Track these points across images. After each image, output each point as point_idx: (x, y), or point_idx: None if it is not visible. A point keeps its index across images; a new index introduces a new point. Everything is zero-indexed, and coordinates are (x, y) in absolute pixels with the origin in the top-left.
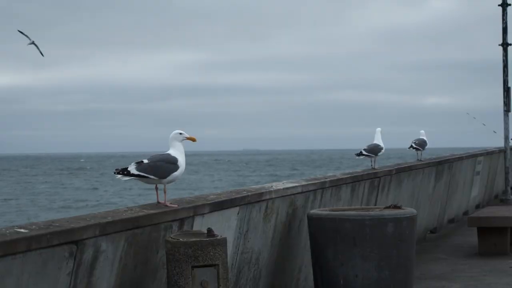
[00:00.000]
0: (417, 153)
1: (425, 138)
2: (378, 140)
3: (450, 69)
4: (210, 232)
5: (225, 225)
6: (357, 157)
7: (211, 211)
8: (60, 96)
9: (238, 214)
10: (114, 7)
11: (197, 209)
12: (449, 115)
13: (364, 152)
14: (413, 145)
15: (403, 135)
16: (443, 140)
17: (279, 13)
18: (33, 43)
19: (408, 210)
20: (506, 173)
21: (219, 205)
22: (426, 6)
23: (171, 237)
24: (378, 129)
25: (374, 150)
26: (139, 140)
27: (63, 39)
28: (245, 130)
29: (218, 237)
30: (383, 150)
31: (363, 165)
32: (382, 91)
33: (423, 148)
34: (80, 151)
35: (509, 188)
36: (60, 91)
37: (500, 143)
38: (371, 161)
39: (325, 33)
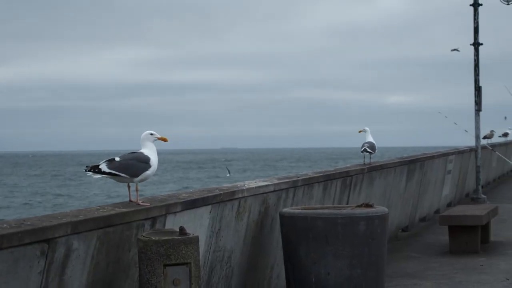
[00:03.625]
0: (370, 156)
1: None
2: (370, 139)
3: (410, 66)
4: (182, 230)
5: (197, 224)
6: (361, 153)
7: (183, 210)
8: (21, 93)
9: (210, 212)
10: (72, 3)
11: (169, 207)
12: (419, 113)
13: (368, 150)
14: (367, 148)
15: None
16: (415, 139)
17: (236, 8)
18: None
19: (380, 209)
20: (477, 172)
21: (192, 204)
22: (380, 3)
23: (143, 236)
24: (367, 128)
25: (374, 147)
26: (102, 138)
27: (18, 34)
28: (212, 128)
29: (190, 236)
30: None
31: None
32: (343, 89)
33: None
34: (41, 150)
35: (480, 187)
36: (21, 89)
37: (471, 142)
38: (368, 158)
39: (282, 30)
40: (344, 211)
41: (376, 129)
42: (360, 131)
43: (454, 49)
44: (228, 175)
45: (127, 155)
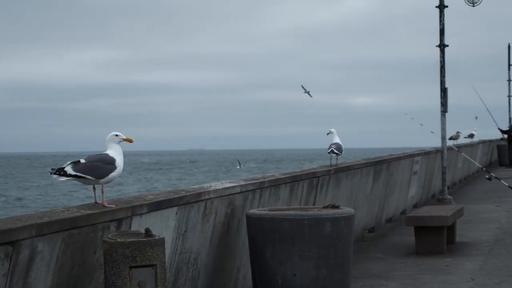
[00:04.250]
0: (336, 158)
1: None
2: (337, 140)
3: (375, 68)
4: (148, 232)
5: (163, 225)
6: (328, 154)
7: (149, 211)
8: None
9: (176, 214)
10: (33, 3)
11: (135, 209)
12: (385, 115)
13: (335, 151)
14: (334, 150)
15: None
16: (381, 140)
17: (200, 9)
18: None
19: (346, 210)
20: (443, 173)
21: (158, 205)
22: (343, 5)
23: (108, 238)
24: (333, 130)
25: (340, 149)
26: (66, 140)
27: None
28: (178, 130)
29: (156, 237)
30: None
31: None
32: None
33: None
34: (2, 151)
35: (445, 188)
36: None
37: (438, 143)
38: (335, 159)
39: (246, 31)
40: (310, 212)
41: (342, 130)
42: (328, 133)
43: (306, 92)
44: (238, 167)
45: (92, 157)
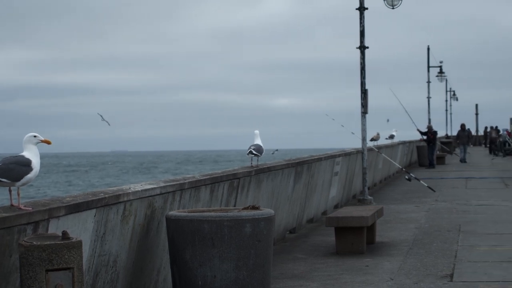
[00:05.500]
0: (257, 159)
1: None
2: (259, 141)
3: (296, 69)
4: (65, 235)
5: (81, 228)
6: (247, 156)
7: (67, 214)
8: None
9: (95, 216)
10: None
11: (52, 211)
12: (306, 116)
13: (254, 152)
14: (253, 151)
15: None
16: (303, 141)
17: (120, 9)
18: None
19: (266, 211)
20: (364, 173)
21: (76, 208)
22: (264, 6)
23: (24, 241)
24: (256, 131)
25: (260, 150)
26: None
27: None
28: (100, 131)
29: (73, 240)
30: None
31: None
32: (230, 92)
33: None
34: None
35: (366, 189)
36: None
37: (359, 144)
38: (256, 160)
39: (166, 32)
40: (230, 214)
41: (264, 131)
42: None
43: (104, 120)
44: (273, 153)
45: (8, 159)
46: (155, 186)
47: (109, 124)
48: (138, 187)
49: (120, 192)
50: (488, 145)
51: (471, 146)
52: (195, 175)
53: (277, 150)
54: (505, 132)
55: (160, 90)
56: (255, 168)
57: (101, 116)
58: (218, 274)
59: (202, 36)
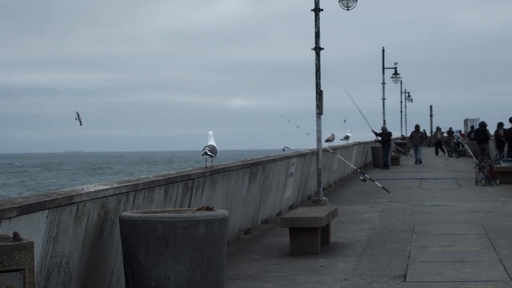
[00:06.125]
0: (211, 160)
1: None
2: (213, 142)
3: (252, 70)
4: (16, 236)
5: (33, 229)
6: (201, 156)
7: (18, 215)
8: None
9: (47, 217)
10: None
11: (3, 213)
12: (262, 117)
13: (208, 153)
14: (207, 151)
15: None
16: (258, 142)
17: (77, 9)
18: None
19: (220, 212)
20: (319, 174)
21: (27, 209)
22: (220, 7)
23: None
24: (210, 132)
25: (214, 150)
26: None
27: None
28: (55, 132)
29: (25, 241)
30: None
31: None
32: (186, 93)
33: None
34: None
35: (321, 189)
36: None
37: (313, 145)
38: (210, 161)
39: (124, 32)
40: (184, 215)
41: (220, 132)
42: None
43: (78, 119)
44: (287, 149)
45: None
46: (108, 187)
47: (80, 124)
48: (92, 188)
49: (73, 193)
50: (434, 146)
51: (425, 147)
52: (149, 176)
53: (287, 147)
54: (458, 134)
55: (116, 91)
56: (209, 169)
57: (77, 114)
58: (172, 275)
59: (158, 36)
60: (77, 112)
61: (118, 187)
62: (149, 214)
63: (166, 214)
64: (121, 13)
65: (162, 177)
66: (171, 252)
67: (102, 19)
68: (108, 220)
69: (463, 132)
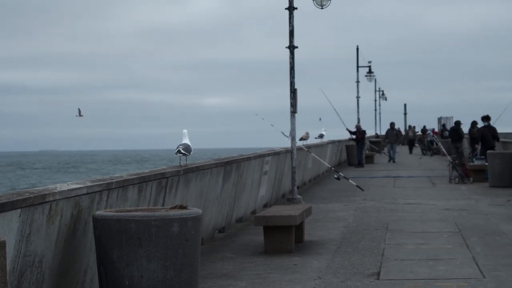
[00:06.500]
0: (185, 158)
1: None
2: (187, 141)
3: (226, 68)
4: None
5: (6, 228)
6: (175, 155)
7: None
8: None
9: (20, 216)
10: None
11: None
12: (236, 115)
13: (182, 151)
14: (181, 150)
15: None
16: (233, 140)
17: (48, 7)
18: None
19: (194, 210)
20: (293, 172)
21: (0, 208)
22: (193, 5)
23: None
24: (185, 130)
25: (188, 149)
26: None
27: None
28: (28, 131)
29: None
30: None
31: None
32: (160, 91)
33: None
34: None
35: (295, 188)
36: None
37: (288, 144)
38: (184, 160)
39: (95, 30)
40: (157, 213)
41: (195, 131)
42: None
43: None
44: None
45: None
46: (81, 185)
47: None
48: (65, 186)
49: (46, 192)
50: (407, 144)
51: (400, 145)
52: (122, 174)
53: (320, 119)
54: (431, 132)
55: (88, 90)
56: (183, 168)
57: (79, 110)
58: (145, 274)
59: (131, 35)
60: (79, 109)
61: (91, 186)
62: (123, 213)
63: (139, 213)
64: (92, 11)
65: (136, 176)
66: (145, 251)
67: (73, 16)
68: (81, 219)
69: (436, 130)
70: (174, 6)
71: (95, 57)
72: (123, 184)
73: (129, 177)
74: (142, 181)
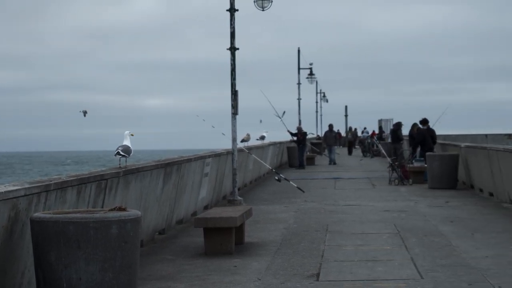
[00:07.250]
0: (125, 160)
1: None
2: (128, 142)
3: (167, 69)
4: None
5: None
6: (114, 157)
7: None
8: None
9: None
10: None
11: None
12: (177, 117)
13: (121, 153)
14: (120, 151)
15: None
16: (174, 142)
17: None
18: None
19: (133, 212)
20: (234, 174)
21: None
22: (133, 5)
23: None
24: (127, 132)
25: (127, 150)
26: None
27: None
28: None
29: None
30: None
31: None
32: (100, 92)
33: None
34: None
35: (236, 189)
36: None
37: (229, 145)
38: (123, 161)
39: (31, 30)
40: (96, 215)
41: (135, 132)
42: (132, 135)
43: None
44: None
45: None
46: (19, 187)
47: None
48: (2, 188)
49: None
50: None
51: (340, 147)
52: (61, 176)
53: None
54: (367, 133)
55: (25, 91)
56: (123, 169)
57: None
58: (84, 276)
59: (70, 35)
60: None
61: (29, 188)
62: (61, 215)
63: (78, 215)
64: (28, 10)
65: (75, 177)
66: (83, 253)
67: (7, 16)
68: (18, 221)
69: (376, 132)
70: (115, 5)
71: (31, 58)
72: (62, 186)
73: (68, 179)
74: (81, 182)
